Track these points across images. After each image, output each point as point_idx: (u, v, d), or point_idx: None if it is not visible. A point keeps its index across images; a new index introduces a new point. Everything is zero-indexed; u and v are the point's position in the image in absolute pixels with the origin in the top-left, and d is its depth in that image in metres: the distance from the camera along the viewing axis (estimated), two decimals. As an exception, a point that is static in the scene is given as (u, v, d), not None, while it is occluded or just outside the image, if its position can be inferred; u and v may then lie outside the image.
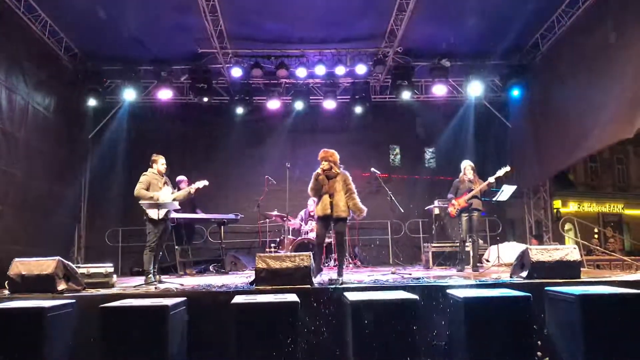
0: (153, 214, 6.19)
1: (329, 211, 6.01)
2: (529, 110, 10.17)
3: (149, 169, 6.52)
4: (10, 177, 7.54)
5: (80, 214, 10.41)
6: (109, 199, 10.30)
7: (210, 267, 8.87)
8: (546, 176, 10.44)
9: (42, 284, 4.93)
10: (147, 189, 6.31)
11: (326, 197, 6.07)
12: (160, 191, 6.37)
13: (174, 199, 6.43)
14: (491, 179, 7.24)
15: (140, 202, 6.21)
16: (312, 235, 9.02)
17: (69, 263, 5.24)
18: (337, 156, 6.23)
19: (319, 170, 6.15)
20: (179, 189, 7.21)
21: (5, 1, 7.47)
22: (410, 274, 6.77)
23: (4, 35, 7.48)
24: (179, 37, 9.11)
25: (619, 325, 3.90)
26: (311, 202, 9.44)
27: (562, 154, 9.11)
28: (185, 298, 4.53)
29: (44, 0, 7.95)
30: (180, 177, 8.18)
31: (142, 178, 6.39)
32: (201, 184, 6.80)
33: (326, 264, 8.95)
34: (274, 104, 10.63)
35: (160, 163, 6.53)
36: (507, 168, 7.24)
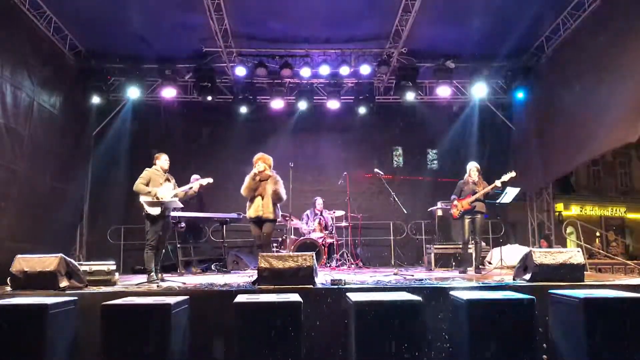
0: (151, 210, 6.22)
1: (260, 213, 6.41)
2: (533, 113, 10.14)
3: (153, 166, 6.59)
4: (14, 173, 7.53)
5: (82, 211, 10.40)
6: (111, 196, 10.29)
7: (212, 266, 8.86)
8: (550, 179, 10.36)
9: (44, 281, 4.93)
10: (147, 184, 6.35)
11: (258, 199, 6.49)
12: (160, 187, 6.37)
13: (174, 196, 6.45)
14: (497, 183, 7.22)
15: (140, 198, 6.25)
16: (315, 236, 9.03)
17: (72, 260, 5.24)
18: (271, 161, 6.62)
19: (255, 171, 6.49)
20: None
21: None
22: (412, 275, 6.76)
23: (9, 31, 7.46)
24: (184, 35, 9.10)
25: (623, 329, 3.88)
26: (320, 200, 9.46)
27: (566, 157, 9.06)
28: (187, 297, 4.51)
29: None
30: (194, 176, 8.15)
31: (144, 173, 6.46)
32: (204, 181, 6.84)
33: (328, 265, 8.95)
34: (277, 104, 10.62)
35: (163, 159, 6.61)
36: (513, 174, 7.21)
